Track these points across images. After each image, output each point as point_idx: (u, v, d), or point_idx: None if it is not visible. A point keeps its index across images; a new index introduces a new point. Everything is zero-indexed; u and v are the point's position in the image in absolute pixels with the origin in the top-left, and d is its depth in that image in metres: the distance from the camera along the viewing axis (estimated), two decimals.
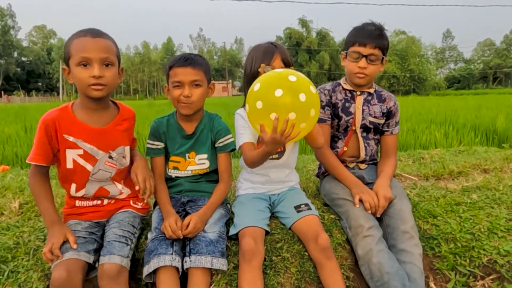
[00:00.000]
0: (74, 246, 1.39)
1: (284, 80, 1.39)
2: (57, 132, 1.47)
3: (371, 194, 1.74)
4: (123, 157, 1.62)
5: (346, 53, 1.91)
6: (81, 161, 1.53)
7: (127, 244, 1.47)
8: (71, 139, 1.49)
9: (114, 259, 1.38)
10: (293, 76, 1.40)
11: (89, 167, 1.54)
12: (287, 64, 1.68)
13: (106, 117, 1.57)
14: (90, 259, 1.41)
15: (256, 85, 1.44)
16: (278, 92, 1.35)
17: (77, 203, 1.61)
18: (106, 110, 1.58)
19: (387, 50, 1.89)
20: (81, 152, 1.51)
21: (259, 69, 1.65)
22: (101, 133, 1.54)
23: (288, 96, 1.35)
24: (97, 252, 1.46)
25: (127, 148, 1.63)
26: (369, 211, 1.72)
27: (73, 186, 1.58)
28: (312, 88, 1.43)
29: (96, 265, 1.41)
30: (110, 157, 1.58)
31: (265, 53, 1.68)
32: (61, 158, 1.51)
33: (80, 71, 1.41)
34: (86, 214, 1.60)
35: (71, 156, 1.51)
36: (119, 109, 1.63)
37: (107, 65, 1.44)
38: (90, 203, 1.62)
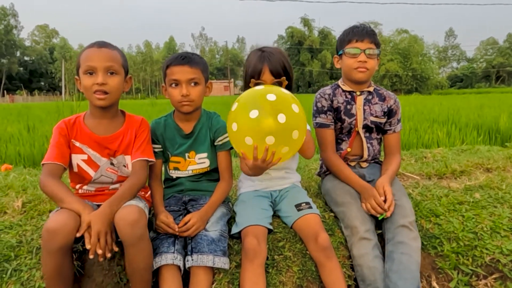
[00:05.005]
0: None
1: (261, 99, 1.26)
2: (68, 137, 1.55)
3: (375, 197, 1.70)
4: (124, 166, 1.64)
5: (343, 51, 1.90)
6: (84, 166, 1.58)
7: None
8: (77, 144, 1.56)
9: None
10: (272, 94, 1.26)
11: (91, 172, 1.59)
12: (277, 75, 1.62)
13: (113, 126, 1.62)
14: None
15: (234, 105, 1.35)
16: (253, 114, 1.23)
17: (80, 191, 1.64)
18: (113, 119, 1.63)
19: (380, 46, 1.93)
20: (85, 157, 1.58)
21: (250, 85, 1.61)
22: (104, 141, 1.58)
23: (264, 118, 1.22)
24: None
25: (128, 158, 1.63)
26: (378, 215, 1.69)
27: (78, 186, 1.64)
28: (295, 107, 1.29)
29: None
30: (112, 163, 1.62)
31: (254, 68, 1.63)
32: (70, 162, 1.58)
33: (85, 79, 1.49)
34: (89, 197, 1.62)
35: (76, 161, 1.58)
36: (125, 119, 1.66)
37: (111, 74, 1.50)
38: (92, 189, 1.64)
